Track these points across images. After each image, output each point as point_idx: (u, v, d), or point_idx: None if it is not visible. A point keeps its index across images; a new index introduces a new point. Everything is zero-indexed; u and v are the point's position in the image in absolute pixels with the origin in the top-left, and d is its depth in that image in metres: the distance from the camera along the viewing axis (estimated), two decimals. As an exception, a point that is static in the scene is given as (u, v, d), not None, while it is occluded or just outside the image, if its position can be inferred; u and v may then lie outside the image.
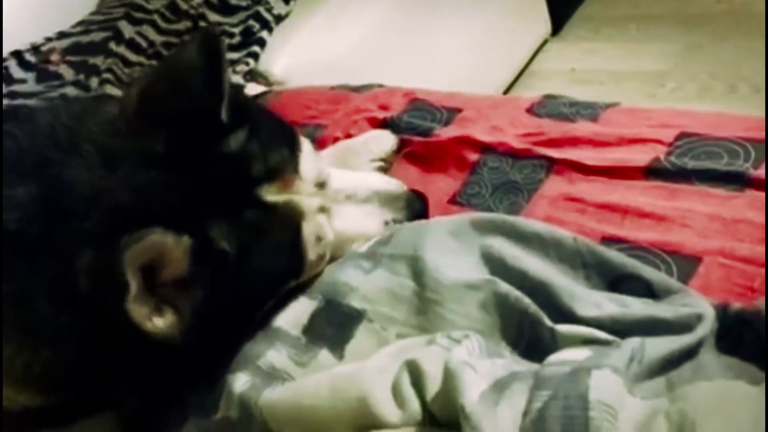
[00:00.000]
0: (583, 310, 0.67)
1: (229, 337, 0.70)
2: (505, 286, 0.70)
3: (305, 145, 0.77)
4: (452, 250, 0.76)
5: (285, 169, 0.72)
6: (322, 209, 0.78)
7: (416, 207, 0.89)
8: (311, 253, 0.74)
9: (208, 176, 0.65)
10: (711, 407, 0.54)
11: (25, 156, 0.63)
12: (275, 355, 0.67)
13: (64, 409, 0.67)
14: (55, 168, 0.62)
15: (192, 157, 0.65)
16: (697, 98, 1.99)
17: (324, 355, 0.67)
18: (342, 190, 0.82)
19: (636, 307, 0.68)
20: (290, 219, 0.72)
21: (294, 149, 0.75)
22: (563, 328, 0.67)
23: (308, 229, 0.74)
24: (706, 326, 0.63)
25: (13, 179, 0.62)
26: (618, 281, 0.73)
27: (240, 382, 0.64)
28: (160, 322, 0.62)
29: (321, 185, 0.78)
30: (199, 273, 0.63)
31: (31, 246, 0.60)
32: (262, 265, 0.69)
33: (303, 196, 0.74)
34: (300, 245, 0.73)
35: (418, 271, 0.73)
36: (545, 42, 2.50)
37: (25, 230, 0.60)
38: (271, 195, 0.70)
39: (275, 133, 0.74)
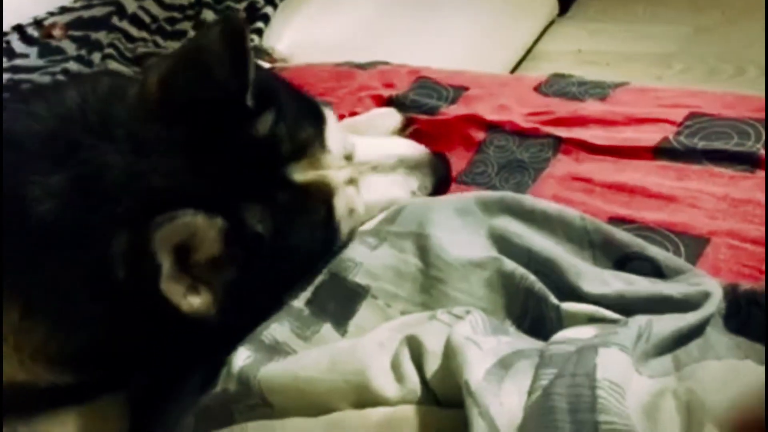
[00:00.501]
0: (590, 286, 0.66)
1: (261, 316, 0.70)
2: (510, 264, 0.70)
3: (330, 117, 0.77)
4: (458, 227, 0.75)
5: (313, 146, 0.72)
6: (351, 181, 0.78)
7: (440, 171, 0.89)
8: (344, 227, 0.75)
9: (238, 161, 0.65)
10: (719, 386, 0.54)
11: (57, 141, 0.62)
12: (278, 329, 0.67)
13: (84, 387, 0.67)
14: (87, 153, 0.61)
15: (220, 142, 0.64)
16: (704, 80, 1.97)
17: (327, 329, 0.67)
18: (368, 161, 0.81)
19: (642, 284, 0.67)
20: (322, 196, 0.72)
21: (320, 124, 0.74)
22: (568, 306, 0.66)
23: (340, 204, 0.74)
24: (713, 304, 0.63)
25: (46, 166, 0.61)
26: (625, 260, 0.73)
27: (242, 356, 0.64)
28: (195, 301, 0.61)
29: (348, 157, 0.78)
30: (234, 254, 0.63)
31: (66, 235, 0.60)
32: (296, 245, 0.69)
33: (332, 170, 0.74)
34: (333, 221, 0.73)
35: (423, 248, 0.72)
36: (552, 22, 2.48)
37: (61, 219, 0.59)
38: (300, 174, 0.70)
39: (301, 110, 0.73)
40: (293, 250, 0.69)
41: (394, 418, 0.56)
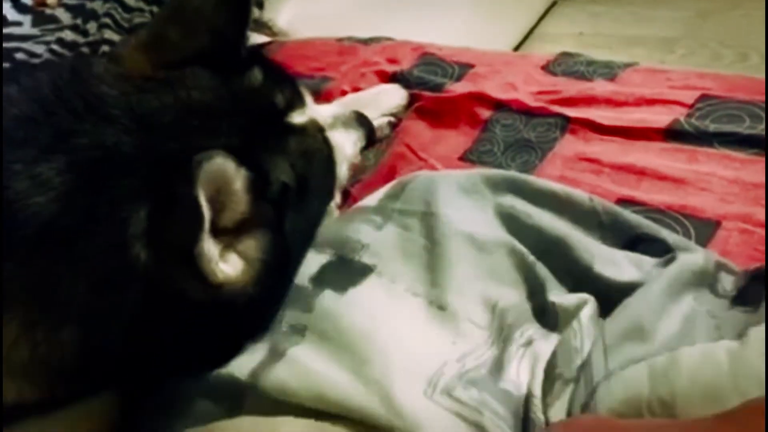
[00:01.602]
0: (601, 267, 0.65)
1: (287, 285, 0.67)
2: (520, 248, 0.69)
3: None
4: (464, 206, 0.74)
5: (297, 99, 0.73)
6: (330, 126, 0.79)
7: (367, 124, 0.91)
8: (342, 167, 0.77)
9: (245, 113, 0.63)
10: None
11: (40, 127, 0.58)
12: (291, 314, 0.65)
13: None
14: (82, 138, 0.57)
15: (223, 97, 0.62)
16: (707, 66, 1.95)
17: (328, 293, 0.65)
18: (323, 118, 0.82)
19: (653, 271, 0.66)
20: (320, 135, 0.73)
21: (294, 82, 0.75)
22: (561, 299, 0.66)
23: (334, 139, 0.76)
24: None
25: (31, 154, 0.55)
26: (635, 242, 0.72)
27: (259, 354, 0.61)
28: (229, 270, 0.58)
29: None
30: (261, 212, 0.60)
31: (69, 229, 0.55)
32: (315, 190, 0.69)
33: (316, 116, 0.76)
34: (333, 157, 0.75)
35: (429, 227, 0.71)
36: (554, 4, 2.45)
37: (60, 212, 0.54)
38: (299, 118, 0.71)
39: (276, 68, 0.74)
40: (314, 196, 0.68)
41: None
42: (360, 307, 0.63)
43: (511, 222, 0.73)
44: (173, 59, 0.63)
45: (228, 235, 0.59)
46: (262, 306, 0.63)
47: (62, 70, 0.62)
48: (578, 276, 0.66)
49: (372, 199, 0.78)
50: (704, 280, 0.63)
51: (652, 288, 0.61)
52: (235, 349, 0.63)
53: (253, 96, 0.65)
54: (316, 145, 0.72)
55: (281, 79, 0.72)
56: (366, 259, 0.69)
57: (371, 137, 0.92)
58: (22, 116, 0.58)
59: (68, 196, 0.55)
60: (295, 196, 0.64)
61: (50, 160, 0.55)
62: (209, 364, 0.62)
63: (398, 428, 0.54)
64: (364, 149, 0.96)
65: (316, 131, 0.73)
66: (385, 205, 0.76)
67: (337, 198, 0.83)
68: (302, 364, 0.59)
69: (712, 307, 0.61)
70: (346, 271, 0.68)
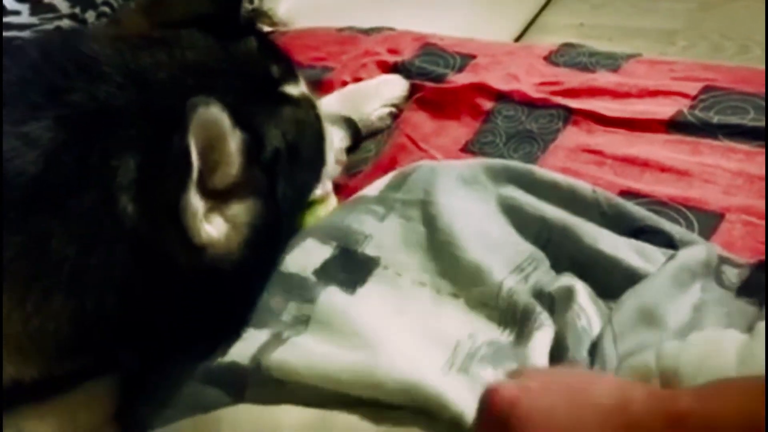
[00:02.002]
0: (609, 248, 0.65)
1: (275, 257, 0.67)
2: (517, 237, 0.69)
3: None
4: (464, 195, 0.73)
5: (293, 74, 0.73)
6: None
7: (353, 126, 0.94)
8: (330, 153, 0.76)
9: (241, 78, 0.63)
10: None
11: (30, 87, 0.57)
12: (294, 306, 0.64)
13: (73, 376, 0.62)
14: (73, 95, 0.57)
15: (220, 61, 0.62)
16: (708, 58, 1.94)
17: (333, 289, 0.65)
18: None
19: (658, 259, 0.66)
20: (313, 110, 0.73)
21: (288, 58, 0.75)
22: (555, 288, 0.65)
23: (324, 118, 0.76)
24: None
25: (20, 113, 0.55)
26: (636, 234, 0.71)
27: (260, 340, 0.61)
28: (213, 232, 0.57)
29: None
30: (252, 177, 0.60)
31: (56, 186, 0.55)
32: (306, 162, 0.69)
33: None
34: (324, 134, 0.74)
35: (429, 215, 0.70)
36: (555, -6, 2.44)
37: (47, 169, 0.54)
38: (292, 89, 0.71)
39: (271, 43, 0.75)
40: (304, 167, 0.68)
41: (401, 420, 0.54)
42: (368, 305, 0.62)
43: (514, 213, 0.72)
44: (171, 21, 0.63)
45: (216, 199, 0.58)
46: (249, 276, 0.63)
47: (53, 36, 0.62)
48: (584, 263, 0.66)
49: (373, 189, 0.78)
50: (709, 271, 0.63)
51: (659, 276, 0.61)
52: (227, 323, 0.62)
53: (248, 61, 0.65)
54: (308, 118, 0.72)
55: (276, 52, 0.73)
56: (369, 250, 0.68)
57: (356, 139, 0.92)
58: (11, 79, 0.58)
59: (57, 152, 0.55)
60: (286, 165, 0.64)
61: (39, 118, 0.55)
62: (203, 338, 0.62)
63: (420, 402, 0.53)
64: (349, 152, 0.97)
65: (309, 106, 0.73)
66: (386, 195, 0.75)
67: (328, 186, 0.81)
68: (306, 347, 0.59)
69: (720, 297, 0.61)
70: (351, 266, 0.67)
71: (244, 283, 0.63)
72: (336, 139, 0.85)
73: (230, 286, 0.61)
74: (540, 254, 0.69)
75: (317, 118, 0.74)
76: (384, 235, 0.69)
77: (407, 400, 0.54)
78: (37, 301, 0.54)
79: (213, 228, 0.58)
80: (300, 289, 0.65)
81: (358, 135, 0.93)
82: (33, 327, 0.55)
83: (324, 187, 0.81)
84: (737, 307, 0.59)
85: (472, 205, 0.72)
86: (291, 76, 0.72)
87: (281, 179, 0.63)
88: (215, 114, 0.54)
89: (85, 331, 0.57)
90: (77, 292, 0.56)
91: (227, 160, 0.57)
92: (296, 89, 0.72)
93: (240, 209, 0.60)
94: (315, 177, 0.74)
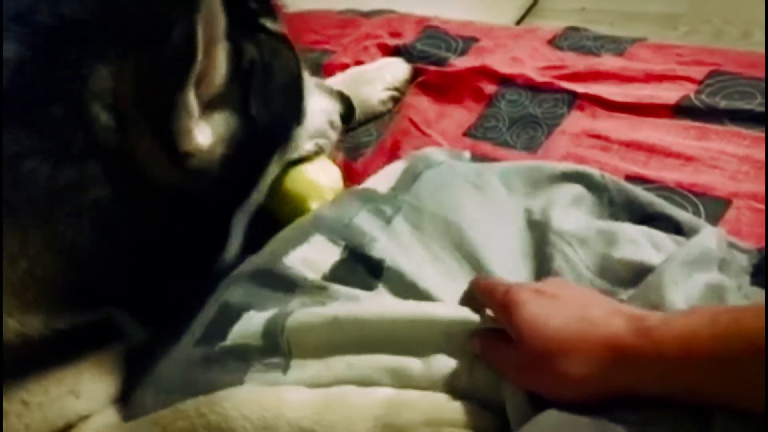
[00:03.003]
0: (627, 253, 0.64)
1: (248, 188, 0.67)
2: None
3: None
4: (479, 208, 0.72)
5: (272, 10, 0.72)
6: None
7: (347, 101, 0.89)
8: (309, 93, 0.75)
9: None
10: None
11: None
12: (300, 300, 0.64)
13: (75, 337, 0.62)
14: (39, 14, 0.55)
15: None
16: (710, 43, 1.93)
17: (347, 289, 0.65)
18: None
19: (668, 247, 0.65)
20: (292, 51, 0.72)
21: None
22: None
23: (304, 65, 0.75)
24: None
25: None
26: (645, 221, 0.70)
27: (265, 314, 0.61)
28: (201, 139, 0.58)
29: None
30: (232, 90, 0.60)
31: (27, 101, 0.54)
32: (281, 88, 0.68)
33: None
34: (302, 79, 0.73)
35: (448, 233, 0.69)
36: (556, -22, 2.42)
37: (15, 84, 0.53)
38: (270, 24, 0.69)
39: None
40: (278, 92, 0.67)
41: (398, 400, 0.55)
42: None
43: (539, 231, 0.70)
44: None
45: (203, 104, 0.58)
46: (225, 201, 0.64)
47: None
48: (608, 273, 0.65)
49: (380, 184, 0.76)
50: (718, 258, 0.62)
51: (670, 264, 0.60)
52: (206, 256, 0.64)
53: None
54: (285, 51, 0.71)
55: None
56: (377, 253, 0.67)
57: (349, 118, 0.89)
58: None
59: (23, 67, 0.54)
60: (261, 83, 0.63)
61: (4, 40, 0.54)
62: (184, 273, 0.64)
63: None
64: (348, 132, 0.96)
65: (286, 43, 0.72)
66: (394, 195, 0.74)
67: (309, 145, 0.80)
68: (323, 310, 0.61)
69: (737, 282, 0.60)
70: (360, 269, 0.67)
71: (220, 208, 0.64)
72: (327, 104, 0.84)
73: (206, 210, 0.62)
74: None
75: (295, 57, 0.73)
76: (392, 241, 0.69)
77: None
78: (18, 244, 0.54)
79: (202, 135, 0.58)
80: (306, 290, 0.65)
81: (352, 111, 0.90)
82: (23, 270, 0.55)
83: (320, 147, 0.82)
84: (753, 292, 0.59)
85: (489, 219, 0.71)
86: (269, 13, 0.71)
87: (255, 96, 0.63)
88: (218, 7, 0.54)
89: (72, 271, 0.57)
90: (54, 227, 0.55)
91: (216, 67, 0.57)
92: (274, 25, 0.71)
93: (220, 121, 0.60)
94: (291, 113, 0.73)
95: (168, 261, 0.63)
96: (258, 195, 0.71)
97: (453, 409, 0.54)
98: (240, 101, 0.62)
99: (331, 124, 0.84)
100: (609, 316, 0.48)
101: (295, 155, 0.77)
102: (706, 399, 0.43)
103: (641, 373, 0.45)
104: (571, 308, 0.50)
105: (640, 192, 0.72)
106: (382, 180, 0.77)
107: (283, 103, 0.70)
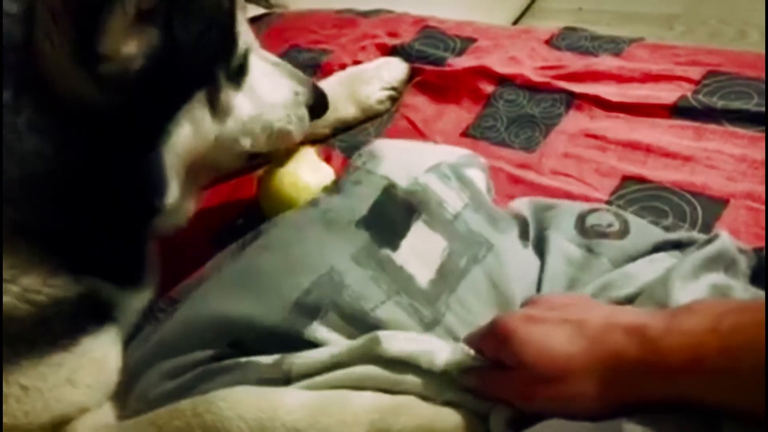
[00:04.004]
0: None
1: (161, 128, 0.66)
2: None
3: None
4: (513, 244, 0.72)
5: None
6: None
7: (317, 92, 0.84)
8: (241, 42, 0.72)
9: None
10: None
11: None
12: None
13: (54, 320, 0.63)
14: None
15: None
16: (706, 43, 1.94)
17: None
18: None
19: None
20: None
21: None
22: None
23: (241, 21, 0.72)
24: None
25: None
26: (657, 249, 0.68)
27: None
28: (125, 46, 0.59)
29: None
30: (161, 5, 0.60)
31: None
32: (206, 12, 0.66)
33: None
34: (233, 18, 0.71)
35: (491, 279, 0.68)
36: (553, -22, 2.42)
37: None
38: None
39: None
40: (202, 20, 0.65)
41: (392, 405, 0.55)
42: None
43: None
44: None
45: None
46: (142, 123, 0.64)
47: None
48: None
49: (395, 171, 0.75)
50: (727, 261, 0.62)
51: (685, 261, 0.60)
52: (140, 194, 0.65)
53: None
54: None
55: None
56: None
57: (318, 108, 0.85)
58: None
59: None
60: (186, 4, 0.63)
61: None
62: (125, 211, 0.66)
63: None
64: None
65: None
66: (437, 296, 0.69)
67: (277, 114, 0.79)
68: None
69: (742, 284, 0.60)
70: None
71: (138, 137, 0.64)
72: (279, 89, 0.80)
73: (123, 137, 0.62)
74: None
75: (229, 8, 0.70)
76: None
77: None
78: None
79: (126, 42, 0.59)
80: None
81: (323, 105, 0.85)
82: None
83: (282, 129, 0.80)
84: (753, 294, 0.59)
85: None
86: None
87: (179, 15, 0.63)
88: None
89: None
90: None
91: None
92: None
93: (145, 33, 0.60)
94: (215, 48, 0.69)
95: (97, 195, 0.64)
96: (187, 140, 0.68)
97: (446, 416, 0.55)
98: (165, 18, 0.62)
99: (296, 110, 0.81)
100: (608, 331, 0.48)
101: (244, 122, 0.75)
102: (714, 407, 0.43)
103: (649, 386, 0.45)
104: (568, 327, 0.50)
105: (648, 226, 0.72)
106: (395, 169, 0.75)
107: (208, 32, 0.67)
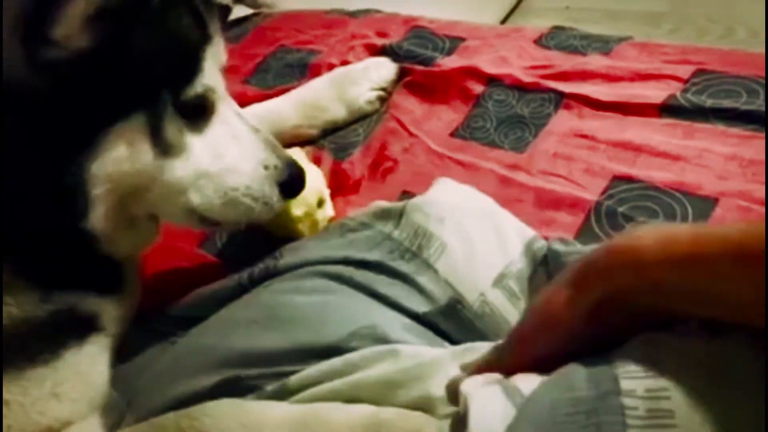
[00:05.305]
0: None
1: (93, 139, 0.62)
2: None
3: None
4: None
5: None
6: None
7: (294, 170, 0.74)
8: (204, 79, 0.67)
9: None
10: None
11: None
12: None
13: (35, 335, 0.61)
14: None
15: None
16: (693, 41, 1.94)
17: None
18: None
19: None
20: (198, 34, 0.67)
21: None
22: None
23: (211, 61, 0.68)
24: None
25: None
26: None
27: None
28: (77, 38, 0.57)
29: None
30: (126, 11, 0.59)
31: None
32: (166, 36, 0.63)
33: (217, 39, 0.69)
34: (200, 55, 0.66)
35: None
36: (540, -23, 2.42)
37: None
38: None
39: None
40: (155, 51, 0.63)
41: (378, 418, 0.54)
42: None
43: None
44: None
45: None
46: (76, 122, 0.60)
47: None
48: None
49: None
50: None
51: None
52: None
53: None
54: (178, 14, 0.65)
55: None
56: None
57: (290, 188, 0.74)
58: None
59: None
60: (150, 23, 0.61)
61: None
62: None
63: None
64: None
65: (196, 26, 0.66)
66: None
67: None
68: None
69: None
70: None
71: (65, 133, 0.60)
72: (255, 159, 0.71)
73: (52, 129, 0.59)
74: None
75: (195, 25, 0.66)
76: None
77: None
78: None
79: (80, 33, 0.57)
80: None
81: (298, 181, 0.75)
82: None
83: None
84: None
85: None
86: None
87: (141, 27, 0.60)
88: None
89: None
90: None
91: None
92: None
93: (101, 33, 0.58)
94: (168, 70, 0.65)
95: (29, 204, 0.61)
96: (119, 163, 0.62)
97: (432, 427, 0.53)
98: (126, 23, 0.59)
99: (262, 185, 0.71)
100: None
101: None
102: (683, 303, 0.41)
103: (619, 284, 0.42)
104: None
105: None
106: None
107: (164, 51, 0.64)
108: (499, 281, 0.66)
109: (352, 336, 0.60)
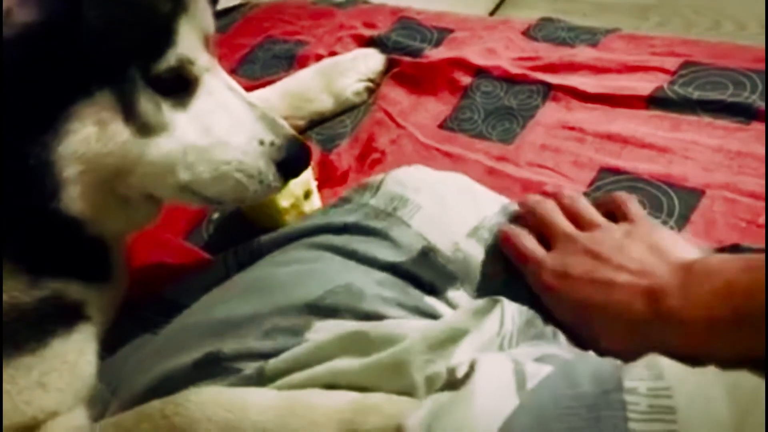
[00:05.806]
0: None
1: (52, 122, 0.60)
2: None
3: None
4: None
5: None
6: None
7: (296, 147, 0.70)
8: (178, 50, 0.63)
9: None
10: None
11: None
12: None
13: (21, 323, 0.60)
14: None
15: None
16: (681, 33, 1.95)
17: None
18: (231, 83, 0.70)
19: None
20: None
21: None
22: None
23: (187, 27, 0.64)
24: None
25: None
26: None
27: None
28: (25, 12, 0.55)
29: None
30: None
31: None
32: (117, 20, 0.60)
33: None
34: (173, 24, 0.63)
35: None
36: (528, -32, 2.42)
37: None
38: None
39: None
40: (114, 21, 0.60)
41: (363, 404, 0.54)
42: None
43: None
44: None
45: None
46: (32, 104, 0.59)
47: None
48: None
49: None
50: None
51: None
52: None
53: None
54: None
55: None
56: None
57: (291, 167, 0.70)
58: None
59: None
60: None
61: None
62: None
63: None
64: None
65: None
66: None
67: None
68: None
69: None
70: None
71: (23, 116, 0.58)
72: (247, 132, 0.68)
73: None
74: None
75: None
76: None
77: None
78: None
79: (25, 6, 0.55)
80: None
81: (301, 158, 0.71)
82: None
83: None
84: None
85: None
86: None
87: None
88: None
89: None
90: None
91: None
92: None
93: (48, 3, 0.56)
94: (136, 46, 0.62)
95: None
96: (88, 143, 0.60)
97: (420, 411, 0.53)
98: None
99: (256, 161, 0.68)
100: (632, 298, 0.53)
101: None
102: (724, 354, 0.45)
103: (661, 337, 0.49)
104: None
105: None
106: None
107: (126, 21, 0.61)
108: (474, 233, 0.66)
109: (327, 293, 0.60)
